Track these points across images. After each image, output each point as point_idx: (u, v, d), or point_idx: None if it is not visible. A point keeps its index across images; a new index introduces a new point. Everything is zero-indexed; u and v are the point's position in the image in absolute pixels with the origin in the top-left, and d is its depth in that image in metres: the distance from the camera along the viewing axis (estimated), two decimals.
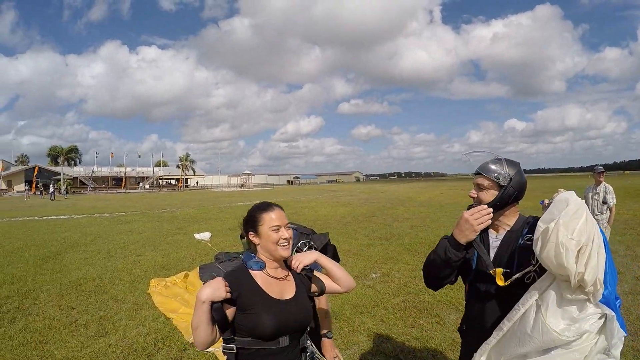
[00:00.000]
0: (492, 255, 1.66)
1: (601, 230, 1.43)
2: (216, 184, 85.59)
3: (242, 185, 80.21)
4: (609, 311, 1.36)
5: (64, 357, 3.69)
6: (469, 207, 1.62)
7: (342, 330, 4.17)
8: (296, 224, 2.34)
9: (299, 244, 2.15)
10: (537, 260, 1.44)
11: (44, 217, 17.48)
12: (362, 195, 32.73)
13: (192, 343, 3.91)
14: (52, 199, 35.81)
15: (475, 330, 1.70)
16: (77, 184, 63.08)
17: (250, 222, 1.63)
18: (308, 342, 1.67)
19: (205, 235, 10.54)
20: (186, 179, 75.75)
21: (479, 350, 1.56)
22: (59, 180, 51.02)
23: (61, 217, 17.71)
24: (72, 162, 65.21)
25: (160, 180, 75.01)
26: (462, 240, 1.56)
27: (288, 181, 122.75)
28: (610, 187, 6.23)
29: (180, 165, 73.74)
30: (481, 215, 1.54)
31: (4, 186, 58.67)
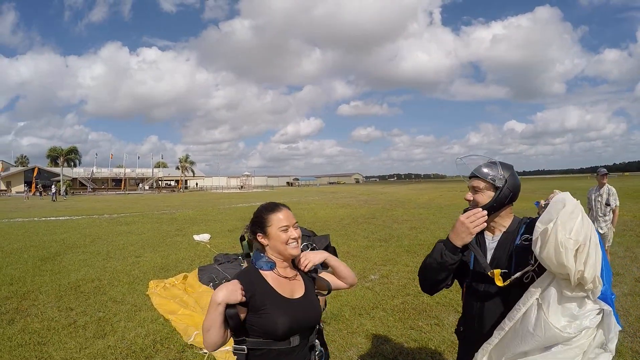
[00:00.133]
0: (489, 257, 1.68)
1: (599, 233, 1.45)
2: (216, 185, 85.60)
3: (242, 187, 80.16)
4: (606, 307, 1.40)
5: (62, 358, 3.69)
6: (465, 210, 1.64)
7: (340, 332, 4.16)
8: None
9: (301, 246, 2.16)
10: (536, 260, 1.47)
11: (43, 218, 17.45)
12: (362, 196, 32.74)
13: (190, 344, 3.91)
14: (54, 200, 35.91)
15: (473, 331, 1.71)
16: (76, 185, 62.96)
17: (258, 224, 1.62)
18: (317, 341, 1.68)
19: (204, 237, 10.53)
20: (186, 181, 75.73)
21: (480, 350, 1.57)
22: (59, 181, 50.97)
23: (60, 218, 17.69)
24: (72, 163, 65.02)
25: (159, 182, 74.97)
26: (458, 243, 1.58)
27: (288, 183, 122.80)
28: (613, 189, 6.27)
29: (179, 167, 73.64)
30: (477, 218, 1.56)
31: (3, 187, 58.60)
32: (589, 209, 6.47)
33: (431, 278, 1.69)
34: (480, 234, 1.72)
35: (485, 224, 1.58)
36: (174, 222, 15.03)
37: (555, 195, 1.56)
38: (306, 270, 1.66)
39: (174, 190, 67.78)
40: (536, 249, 1.43)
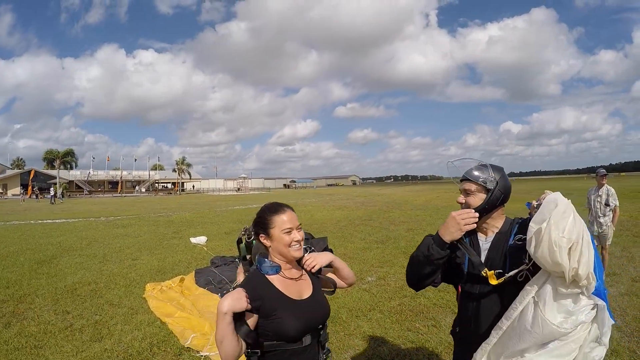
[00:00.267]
0: (483, 258, 1.70)
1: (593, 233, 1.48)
2: (212, 188, 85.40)
3: (239, 189, 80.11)
4: (600, 301, 1.43)
5: None
6: None
7: (337, 334, 4.16)
8: None
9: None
10: (530, 259, 1.50)
11: (40, 221, 17.35)
12: (359, 198, 32.76)
13: (187, 347, 3.90)
14: (53, 203, 35.74)
15: (469, 332, 1.72)
16: (73, 187, 62.67)
17: (261, 225, 1.60)
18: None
19: (201, 240, 10.50)
20: (182, 183, 75.49)
21: (478, 350, 1.59)
22: (56, 183, 50.73)
23: (57, 220, 17.58)
24: (68, 166, 64.62)
25: (156, 184, 74.72)
26: (447, 238, 1.60)
27: (284, 185, 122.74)
28: (612, 189, 6.33)
29: (176, 169, 73.45)
30: (468, 217, 1.59)
31: None
32: (589, 209, 6.51)
33: (417, 272, 1.71)
34: (474, 236, 1.74)
35: (475, 224, 1.60)
36: (170, 225, 14.99)
37: (546, 195, 1.59)
38: (313, 272, 1.66)
39: (170, 193, 67.53)
40: (531, 249, 1.45)
